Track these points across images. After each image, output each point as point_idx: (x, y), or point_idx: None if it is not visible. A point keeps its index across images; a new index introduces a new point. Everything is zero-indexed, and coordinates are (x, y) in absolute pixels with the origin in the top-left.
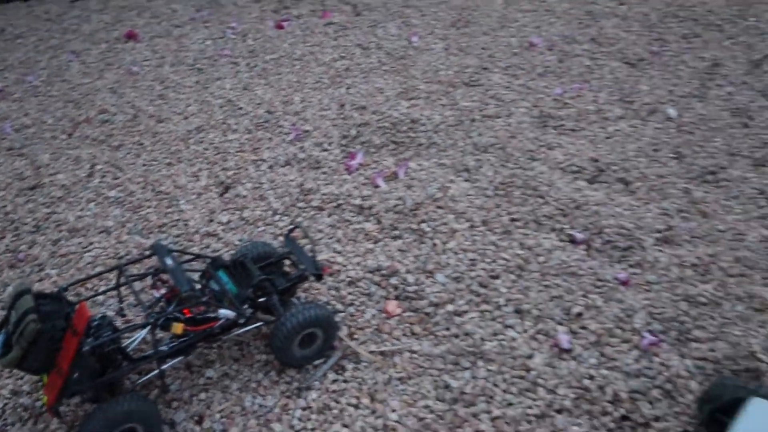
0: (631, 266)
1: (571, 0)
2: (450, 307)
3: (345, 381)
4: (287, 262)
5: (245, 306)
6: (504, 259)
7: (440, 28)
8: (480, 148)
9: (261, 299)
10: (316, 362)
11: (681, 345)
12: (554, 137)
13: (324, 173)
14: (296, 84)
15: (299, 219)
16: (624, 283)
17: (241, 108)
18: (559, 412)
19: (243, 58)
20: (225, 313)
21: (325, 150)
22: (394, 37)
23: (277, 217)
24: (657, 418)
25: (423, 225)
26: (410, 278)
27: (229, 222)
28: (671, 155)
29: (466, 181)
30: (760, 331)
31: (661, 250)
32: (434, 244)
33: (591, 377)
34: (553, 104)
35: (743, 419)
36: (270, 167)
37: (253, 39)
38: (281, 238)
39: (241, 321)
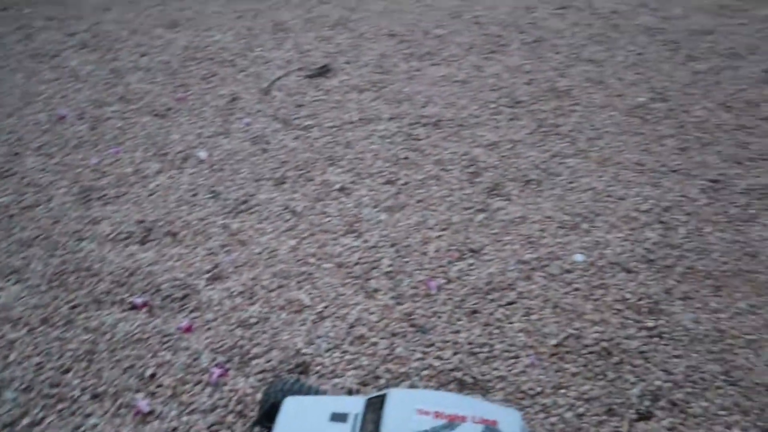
0: (191, 312)
1: (94, 60)
2: (26, 421)
3: None
4: None
5: None
6: (71, 350)
7: None
8: (25, 244)
9: None
10: None
11: (244, 366)
12: (99, 210)
13: None
14: None
15: None
16: (187, 330)
17: None
18: None
19: None
20: None
21: None
22: None
23: None
24: None
25: None
26: None
27: None
28: (208, 196)
29: (17, 283)
30: (302, 329)
31: (213, 288)
32: None
33: (174, 429)
34: (92, 176)
35: (279, 422)
36: None
37: None
38: None
39: None
